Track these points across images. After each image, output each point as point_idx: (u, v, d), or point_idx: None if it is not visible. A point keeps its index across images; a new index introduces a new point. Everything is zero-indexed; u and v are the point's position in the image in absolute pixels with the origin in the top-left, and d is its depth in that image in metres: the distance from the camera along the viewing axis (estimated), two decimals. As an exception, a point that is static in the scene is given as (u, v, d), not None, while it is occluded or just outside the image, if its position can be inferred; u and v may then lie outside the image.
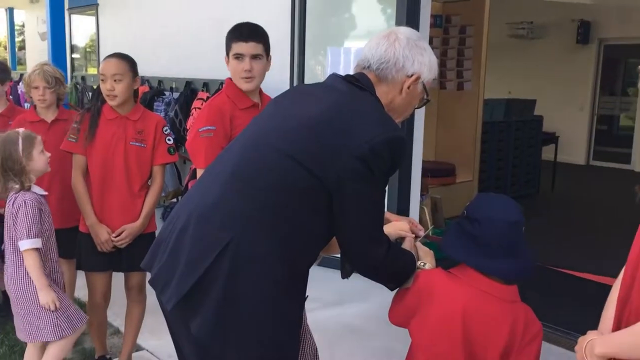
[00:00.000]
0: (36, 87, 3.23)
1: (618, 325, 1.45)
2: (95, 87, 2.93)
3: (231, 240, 1.50)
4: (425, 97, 1.79)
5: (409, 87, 1.71)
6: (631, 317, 1.39)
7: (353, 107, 1.62)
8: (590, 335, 1.49)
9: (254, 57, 2.47)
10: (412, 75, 1.70)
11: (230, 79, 2.56)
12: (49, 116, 3.32)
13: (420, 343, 1.66)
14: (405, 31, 1.74)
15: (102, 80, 2.76)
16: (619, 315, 1.46)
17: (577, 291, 4.36)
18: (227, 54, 2.51)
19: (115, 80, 2.74)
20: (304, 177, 1.53)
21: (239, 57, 2.46)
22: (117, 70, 2.76)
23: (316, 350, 2.20)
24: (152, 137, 2.88)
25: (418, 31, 4.29)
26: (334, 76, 1.76)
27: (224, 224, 1.53)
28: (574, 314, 3.93)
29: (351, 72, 1.78)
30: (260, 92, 2.60)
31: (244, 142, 1.69)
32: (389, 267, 1.67)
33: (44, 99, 3.24)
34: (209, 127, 2.41)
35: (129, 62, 2.83)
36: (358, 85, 1.69)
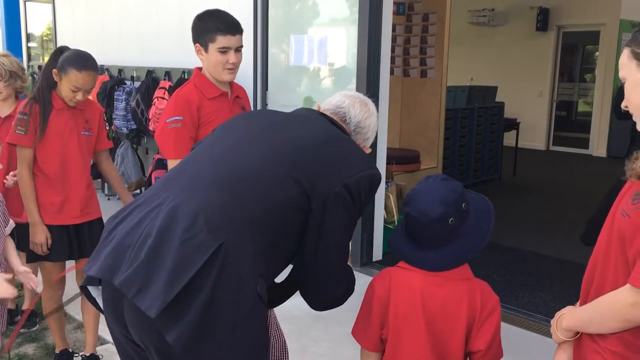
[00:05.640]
0: None
1: (585, 295, 1.51)
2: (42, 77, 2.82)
3: (221, 246, 1.43)
4: None
5: None
6: (595, 293, 1.44)
7: (341, 139, 1.72)
8: (565, 309, 1.57)
9: (238, 49, 2.46)
10: (368, 148, 1.88)
11: (198, 68, 2.52)
12: (4, 110, 3.24)
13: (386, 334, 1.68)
14: (373, 104, 1.90)
15: (74, 90, 2.71)
16: (584, 296, 1.51)
17: (538, 272, 4.46)
18: (204, 44, 2.43)
19: (87, 91, 2.76)
20: (298, 194, 1.55)
21: (225, 50, 2.41)
22: (93, 84, 2.79)
23: (284, 342, 2.21)
24: (97, 126, 2.94)
25: (381, 18, 4.32)
26: (312, 111, 1.84)
27: (216, 227, 1.45)
28: (535, 295, 4.03)
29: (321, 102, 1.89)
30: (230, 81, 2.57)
31: (229, 145, 1.66)
32: (348, 280, 1.75)
33: None
34: (177, 118, 2.38)
35: None
36: (339, 126, 1.78)
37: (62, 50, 2.80)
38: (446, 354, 1.63)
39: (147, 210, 1.52)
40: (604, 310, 1.38)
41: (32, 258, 2.86)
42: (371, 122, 1.85)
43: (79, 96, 2.73)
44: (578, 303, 1.55)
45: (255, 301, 1.48)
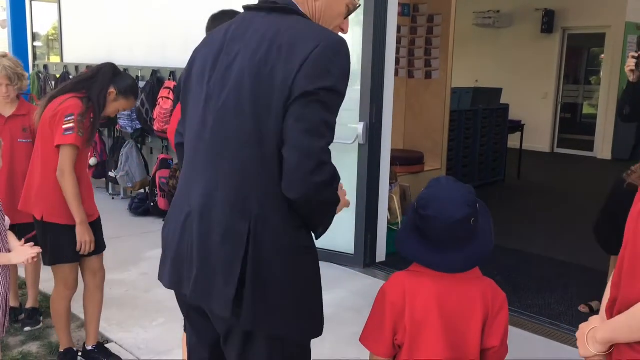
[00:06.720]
0: None
1: (611, 310, 1.40)
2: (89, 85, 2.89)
3: (250, 225, 1.49)
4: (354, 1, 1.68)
5: None
6: (622, 305, 1.34)
7: (284, 34, 1.50)
8: (593, 322, 1.46)
9: None
10: None
11: None
12: (7, 111, 3.29)
13: (403, 339, 1.67)
14: None
15: (119, 110, 3.02)
16: (612, 301, 1.40)
17: (542, 274, 4.45)
18: None
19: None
20: (271, 129, 1.46)
21: None
22: None
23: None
24: None
25: (386, 20, 4.31)
26: (246, 16, 1.61)
27: (239, 211, 1.51)
28: (539, 297, 4.02)
29: None
30: None
31: (210, 117, 1.57)
32: (334, 186, 1.53)
33: (7, 95, 3.23)
34: None
35: None
36: (280, 7, 1.57)
37: (114, 70, 2.93)
38: (463, 354, 1.62)
39: (184, 216, 1.60)
40: None
41: (50, 261, 2.86)
42: None
43: (113, 114, 3.05)
44: (604, 313, 1.43)
45: (297, 252, 1.56)
